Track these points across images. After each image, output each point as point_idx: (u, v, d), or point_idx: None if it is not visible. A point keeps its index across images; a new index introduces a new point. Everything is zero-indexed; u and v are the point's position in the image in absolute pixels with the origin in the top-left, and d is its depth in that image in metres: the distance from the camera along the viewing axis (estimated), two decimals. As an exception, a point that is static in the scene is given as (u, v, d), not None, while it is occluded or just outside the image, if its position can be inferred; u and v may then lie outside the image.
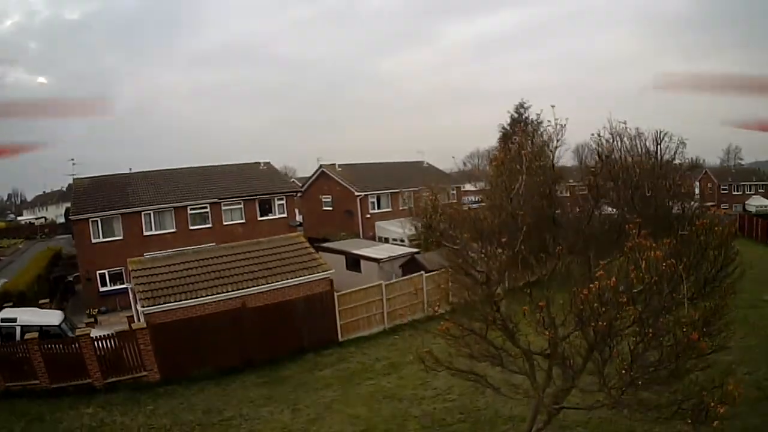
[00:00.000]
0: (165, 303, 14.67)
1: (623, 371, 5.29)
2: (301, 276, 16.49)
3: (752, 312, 15.39)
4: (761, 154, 62.46)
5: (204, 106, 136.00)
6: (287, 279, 16.21)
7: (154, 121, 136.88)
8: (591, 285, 5.20)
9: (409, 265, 20.35)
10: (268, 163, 29.78)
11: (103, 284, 24.16)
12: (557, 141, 8.73)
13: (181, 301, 14.76)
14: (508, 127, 37.11)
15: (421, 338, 16.84)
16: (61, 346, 13.96)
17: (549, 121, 8.38)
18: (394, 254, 21.30)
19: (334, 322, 16.09)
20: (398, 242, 26.60)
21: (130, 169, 28.60)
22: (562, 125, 8.36)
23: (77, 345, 13.76)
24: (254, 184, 27.76)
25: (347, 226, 28.91)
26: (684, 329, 4.95)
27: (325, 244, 24.43)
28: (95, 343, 13.84)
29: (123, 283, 23.47)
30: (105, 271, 24.18)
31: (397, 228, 27.33)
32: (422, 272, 18.39)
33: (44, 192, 68.63)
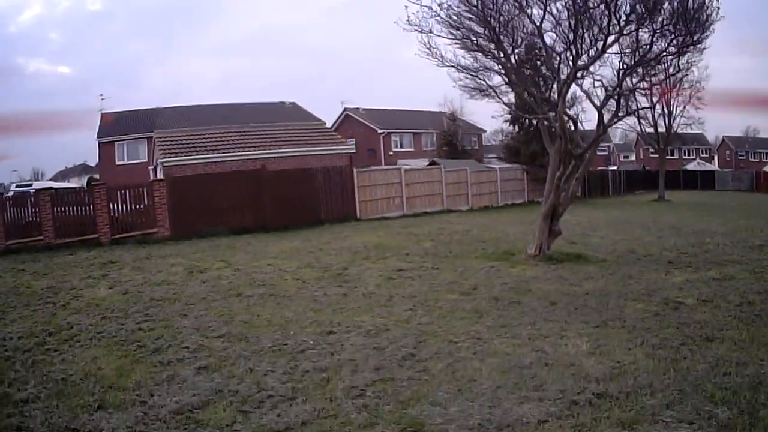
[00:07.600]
0: (186, 156, 14.41)
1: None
2: (322, 146, 16.04)
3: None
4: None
5: (229, 95, 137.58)
6: (308, 147, 15.78)
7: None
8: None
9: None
10: (294, 102, 29.67)
11: (124, 204, 24.19)
12: None
13: (201, 154, 14.46)
14: None
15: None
16: (72, 197, 13.82)
17: None
18: (414, 167, 20.65)
19: (353, 198, 15.36)
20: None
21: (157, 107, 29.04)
22: None
23: (89, 199, 13.52)
24: (279, 118, 27.64)
25: (369, 165, 28.38)
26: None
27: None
28: (108, 197, 13.56)
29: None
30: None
31: (421, 165, 26.63)
32: (441, 165, 17.70)
33: (66, 167, 67.76)
